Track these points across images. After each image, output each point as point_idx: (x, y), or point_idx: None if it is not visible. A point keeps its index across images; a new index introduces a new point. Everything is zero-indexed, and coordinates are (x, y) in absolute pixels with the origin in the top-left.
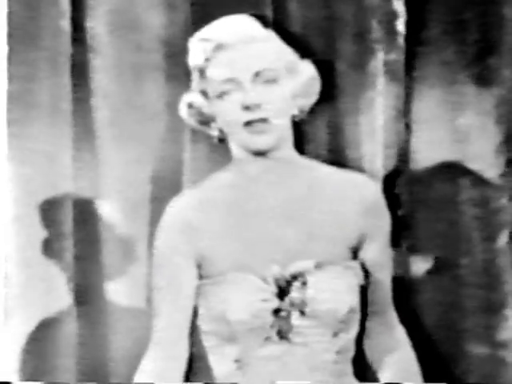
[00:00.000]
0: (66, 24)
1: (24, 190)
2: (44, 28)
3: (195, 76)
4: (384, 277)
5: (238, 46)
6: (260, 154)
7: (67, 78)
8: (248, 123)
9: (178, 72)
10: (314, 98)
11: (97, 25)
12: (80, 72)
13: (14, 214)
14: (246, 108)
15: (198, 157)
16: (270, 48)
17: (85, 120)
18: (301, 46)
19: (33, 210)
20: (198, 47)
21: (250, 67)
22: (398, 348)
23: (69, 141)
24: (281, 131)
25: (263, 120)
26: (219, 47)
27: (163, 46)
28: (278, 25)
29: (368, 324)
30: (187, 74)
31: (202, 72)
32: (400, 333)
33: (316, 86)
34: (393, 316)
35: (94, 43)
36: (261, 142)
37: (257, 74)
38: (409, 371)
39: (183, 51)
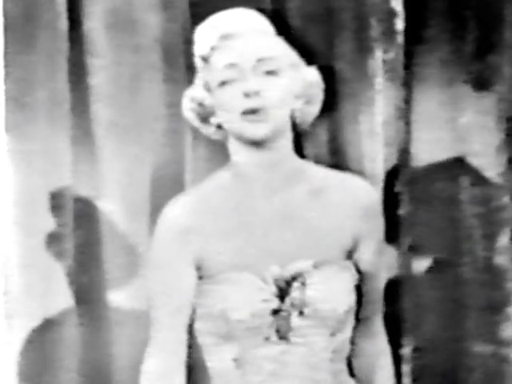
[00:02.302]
0: (63, 24)
1: (23, 191)
2: (41, 29)
3: (199, 66)
4: (375, 282)
5: (243, 36)
6: (256, 144)
7: (65, 79)
8: (246, 112)
9: (177, 72)
10: (316, 106)
11: (94, 25)
12: (78, 73)
13: (13, 216)
14: (246, 95)
15: (198, 157)
16: (275, 41)
17: (83, 121)
18: (300, 44)
19: (32, 212)
20: (204, 36)
21: (252, 54)
22: (378, 358)
23: (68, 141)
24: (278, 123)
25: (261, 109)
26: (225, 36)
27: (161, 46)
28: (277, 24)
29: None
30: (186, 74)
31: (206, 61)
32: (382, 342)
33: (319, 94)
34: (379, 323)
35: (91, 44)
36: (257, 131)
37: (259, 61)
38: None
39: (181, 51)
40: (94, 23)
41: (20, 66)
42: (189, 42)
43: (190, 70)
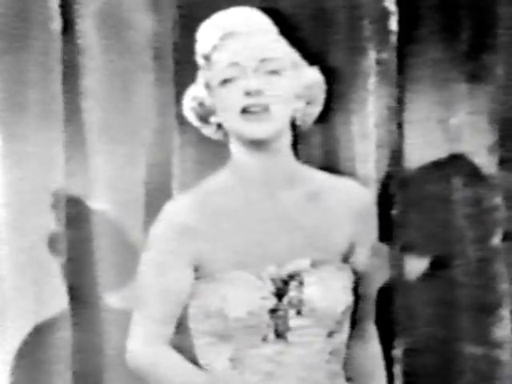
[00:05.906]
0: (55, 26)
1: (15, 193)
2: (34, 30)
3: (201, 64)
4: (370, 284)
5: (246, 35)
6: (256, 145)
7: (58, 80)
8: (246, 110)
9: (167, 73)
10: (317, 107)
11: (86, 26)
12: (70, 74)
13: (6, 217)
14: (247, 94)
15: (186, 157)
16: (278, 42)
17: (75, 121)
18: (293, 44)
19: (25, 213)
20: (206, 35)
21: (255, 54)
22: (371, 362)
23: (60, 142)
24: (279, 123)
25: (262, 107)
26: (228, 35)
27: (153, 48)
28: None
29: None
30: (176, 75)
31: (207, 59)
32: (375, 346)
33: (321, 95)
34: (371, 327)
35: (83, 45)
36: (258, 129)
37: (261, 62)
38: None
39: (172, 53)
40: (86, 24)
41: (12, 66)
42: (179, 44)
43: (180, 72)
